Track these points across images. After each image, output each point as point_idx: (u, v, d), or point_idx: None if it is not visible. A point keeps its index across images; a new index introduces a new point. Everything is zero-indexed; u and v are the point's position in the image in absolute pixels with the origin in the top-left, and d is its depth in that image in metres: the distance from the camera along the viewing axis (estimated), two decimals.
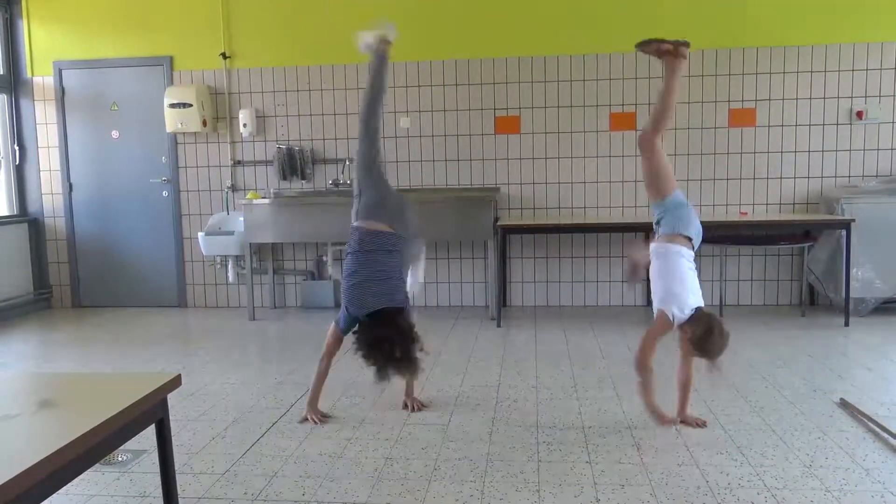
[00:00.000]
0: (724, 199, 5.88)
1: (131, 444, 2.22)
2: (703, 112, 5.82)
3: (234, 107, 6.25)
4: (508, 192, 6.06)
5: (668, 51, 3.08)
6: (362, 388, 3.85)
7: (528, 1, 5.86)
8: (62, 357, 4.88)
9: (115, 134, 6.40)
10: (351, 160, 6.08)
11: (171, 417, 2.04)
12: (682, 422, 3.17)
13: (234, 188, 6.29)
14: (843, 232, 5.13)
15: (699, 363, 3.10)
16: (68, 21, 6.32)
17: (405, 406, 3.50)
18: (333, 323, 3.35)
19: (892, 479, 2.61)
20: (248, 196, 5.91)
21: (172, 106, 6.02)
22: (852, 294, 5.23)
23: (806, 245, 5.61)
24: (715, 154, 5.85)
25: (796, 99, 5.75)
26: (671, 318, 3.01)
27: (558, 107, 5.94)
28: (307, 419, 3.33)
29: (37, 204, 6.52)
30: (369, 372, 3.84)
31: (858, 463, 2.76)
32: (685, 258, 3.12)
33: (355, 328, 3.23)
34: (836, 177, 5.79)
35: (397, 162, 6.09)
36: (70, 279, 6.56)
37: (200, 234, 6.01)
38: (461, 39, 5.96)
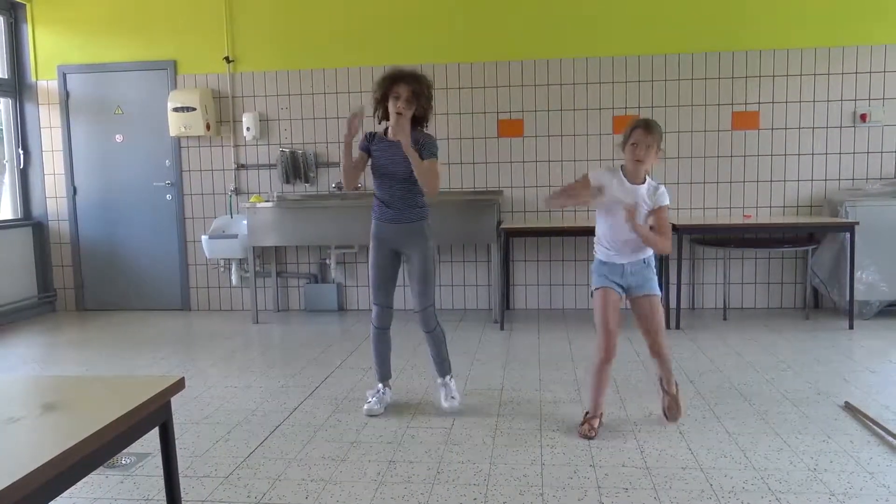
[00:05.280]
0: (728, 201, 5.88)
1: (135, 448, 2.22)
2: (707, 115, 5.81)
3: (238, 110, 6.26)
4: (511, 195, 6.06)
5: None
6: (365, 391, 3.84)
7: (531, 4, 5.87)
8: (66, 360, 4.89)
9: (118, 138, 6.41)
10: None
11: (174, 420, 2.04)
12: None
13: (237, 191, 6.30)
14: (847, 234, 5.12)
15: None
16: (73, 25, 6.35)
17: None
18: None
19: None
20: (251, 199, 5.92)
21: (176, 110, 6.04)
22: (856, 297, 5.21)
23: (810, 248, 5.60)
24: (718, 157, 5.84)
25: (800, 102, 5.74)
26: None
27: (561, 110, 5.94)
28: None
29: (41, 207, 6.54)
30: (371, 376, 3.88)
31: (863, 466, 2.75)
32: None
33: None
34: (839, 179, 5.78)
35: None
36: (74, 282, 6.57)
37: (204, 238, 6.02)
38: (464, 43, 5.97)
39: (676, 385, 3.29)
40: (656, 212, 3.08)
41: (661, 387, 3.30)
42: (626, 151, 3.07)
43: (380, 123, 3.47)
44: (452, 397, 3.48)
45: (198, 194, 6.38)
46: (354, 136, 3.33)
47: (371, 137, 3.48)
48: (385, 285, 3.52)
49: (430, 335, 3.52)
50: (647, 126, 3.04)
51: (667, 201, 3.11)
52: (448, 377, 3.57)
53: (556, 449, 3.00)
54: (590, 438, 3.11)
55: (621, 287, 3.15)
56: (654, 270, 3.19)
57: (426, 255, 3.44)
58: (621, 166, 3.14)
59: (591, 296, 3.24)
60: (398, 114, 3.29)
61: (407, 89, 3.29)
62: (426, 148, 3.36)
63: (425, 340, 3.57)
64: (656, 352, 3.20)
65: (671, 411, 3.26)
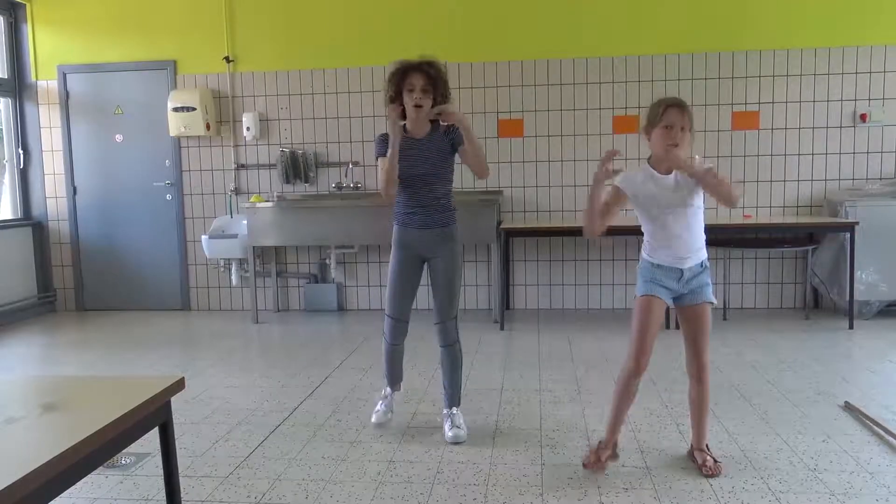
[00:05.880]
0: None
1: (135, 448, 2.22)
2: (707, 115, 5.81)
3: (238, 110, 6.26)
4: (511, 195, 6.06)
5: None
6: (365, 391, 3.85)
7: (530, 4, 5.87)
8: (66, 360, 4.89)
9: (118, 138, 6.41)
10: (354, 163, 6.09)
11: (174, 420, 2.04)
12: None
13: (237, 191, 6.30)
14: (848, 234, 5.11)
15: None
16: (73, 25, 6.35)
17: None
18: None
19: None
20: (251, 199, 5.92)
21: (176, 110, 6.04)
22: (856, 297, 5.21)
23: (810, 248, 5.60)
24: (718, 157, 5.84)
25: (800, 102, 5.74)
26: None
27: (561, 110, 5.94)
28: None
29: (41, 207, 6.54)
30: (371, 376, 3.87)
31: (863, 466, 2.75)
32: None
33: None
34: (839, 179, 5.78)
35: None
36: (74, 282, 6.57)
37: (204, 238, 6.02)
38: (464, 43, 5.97)
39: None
40: (705, 183, 2.54)
41: (692, 445, 2.83)
42: (656, 136, 2.59)
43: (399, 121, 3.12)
44: (458, 426, 3.15)
45: (198, 194, 6.38)
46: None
47: (388, 139, 3.07)
48: (405, 297, 3.21)
49: (447, 350, 3.19)
50: (681, 105, 2.60)
51: (704, 164, 2.58)
52: (456, 409, 3.23)
53: (556, 449, 3.00)
54: (594, 472, 2.71)
55: (673, 294, 2.68)
56: (709, 274, 2.73)
57: (454, 262, 3.15)
58: (648, 160, 2.69)
59: (634, 298, 2.75)
60: (417, 107, 2.99)
61: (421, 78, 2.98)
62: (459, 138, 3.05)
63: (440, 360, 3.23)
64: (698, 370, 2.72)
65: (713, 467, 2.71)
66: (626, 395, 2.72)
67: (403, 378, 3.44)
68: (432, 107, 3.01)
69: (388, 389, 3.37)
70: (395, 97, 3.05)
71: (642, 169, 2.68)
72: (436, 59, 3.05)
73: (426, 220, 3.13)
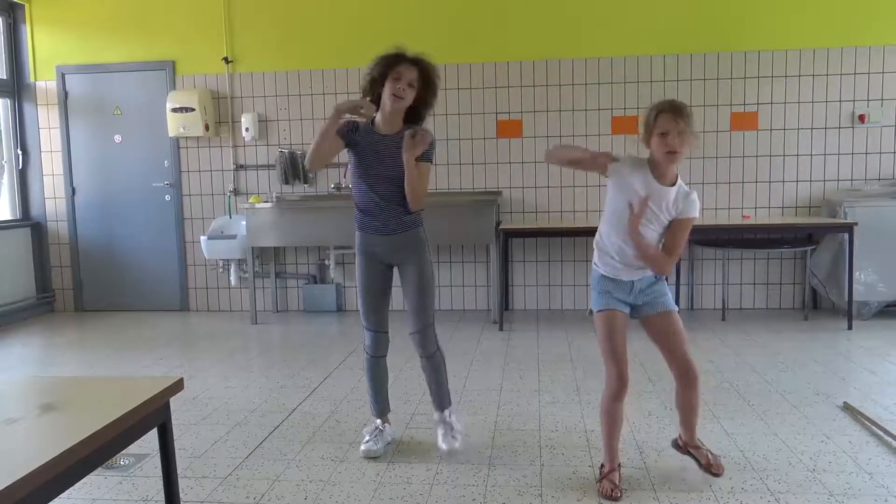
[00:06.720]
0: (727, 202, 5.88)
1: (134, 448, 2.22)
2: (706, 115, 5.82)
3: (237, 111, 6.26)
4: (510, 195, 6.06)
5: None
6: (363, 392, 3.84)
7: (530, 5, 5.87)
8: (65, 361, 4.89)
9: (117, 138, 6.41)
10: None
11: (173, 421, 2.04)
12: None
13: (236, 192, 6.30)
14: (846, 235, 5.12)
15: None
16: (71, 26, 6.34)
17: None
18: None
19: (895, 483, 2.60)
20: (250, 200, 5.92)
21: (175, 110, 6.03)
22: (855, 297, 5.21)
23: (808, 248, 5.60)
24: (717, 157, 5.85)
25: (798, 102, 5.75)
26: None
27: (560, 110, 5.94)
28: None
29: (40, 208, 6.53)
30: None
31: (862, 467, 2.75)
32: None
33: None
34: (838, 180, 5.78)
35: None
36: (73, 283, 6.57)
37: (203, 238, 6.02)
38: (463, 43, 5.97)
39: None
40: (678, 223, 2.47)
41: (686, 443, 2.71)
42: (653, 144, 2.45)
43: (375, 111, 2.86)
44: (454, 437, 2.98)
45: (196, 195, 6.37)
46: (338, 125, 2.78)
47: (355, 127, 2.87)
48: (379, 308, 2.98)
49: (428, 360, 3.00)
50: (676, 108, 2.44)
51: (695, 213, 2.48)
52: (448, 411, 3.06)
53: (554, 449, 3.00)
54: (616, 500, 2.50)
55: (628, 305, 2.57)
56: (666, 284, 2.62)
57: (424, 266, 2.93)
58: (648, 160, 2.51)
59: (590, 314, 2.63)
60: (397, 97, 2.77)
61: (411, 72, 2.78)
62: (427, 153, 2.84)
63: (422, 368, 3.06)
64: (684, 369, 2.57)
65: (715, 466, 2.63)
66: (614, 418, 2.58)
67: (391, 378, 3.24)
68: (416, 104, 2.86)
69: (378, 421, 3.08)
70: (379, 80, 2.81)
71: (642, 166, 2.50)
72: (432, 62, 2.88)
73: (389, 223, 2.88)
